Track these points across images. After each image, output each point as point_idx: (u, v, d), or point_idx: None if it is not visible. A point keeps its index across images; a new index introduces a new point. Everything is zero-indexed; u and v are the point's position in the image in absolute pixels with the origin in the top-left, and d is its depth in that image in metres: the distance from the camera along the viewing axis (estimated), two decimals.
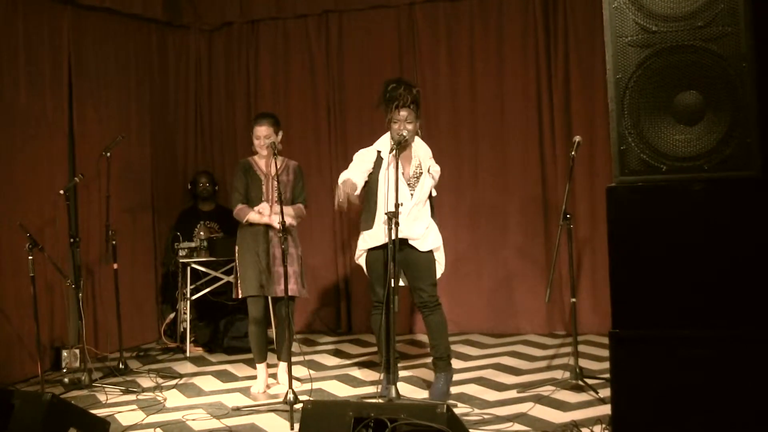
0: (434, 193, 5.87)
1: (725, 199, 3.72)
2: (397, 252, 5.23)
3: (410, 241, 5.62)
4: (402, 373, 6.36)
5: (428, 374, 6.30)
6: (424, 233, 5.69)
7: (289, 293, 5.93)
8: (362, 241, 5.82)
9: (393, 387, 5.29)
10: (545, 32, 7.78)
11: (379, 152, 5.77)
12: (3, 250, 6.67)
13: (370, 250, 5.77)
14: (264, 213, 6.05)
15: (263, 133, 6.08)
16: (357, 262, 5.98)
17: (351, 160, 5.87)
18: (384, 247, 5.51)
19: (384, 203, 5.54)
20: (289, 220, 5.89)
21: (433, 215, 5.83)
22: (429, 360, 6.20)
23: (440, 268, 5.86)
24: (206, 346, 7.76)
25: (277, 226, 5.72)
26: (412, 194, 5.66)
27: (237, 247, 6.26)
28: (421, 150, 5.79)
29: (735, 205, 3.71)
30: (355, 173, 5.71)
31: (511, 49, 7.89)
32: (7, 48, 6.84)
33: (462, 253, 7.83)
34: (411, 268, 5.75)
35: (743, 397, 3.63)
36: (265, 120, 6.15)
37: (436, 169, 5.79)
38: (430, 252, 5.75)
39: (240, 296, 6.18)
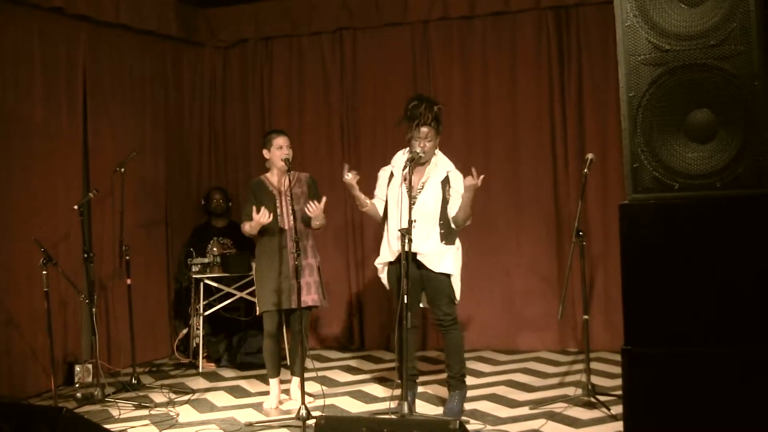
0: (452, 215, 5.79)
1: (738, 216, 3.72)
2: (415, 270, 5.26)
3: (419, 257, 5.62)
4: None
5: (441, 390, 6.30)
6: (435, 252, 5.67)
7: (311, 303, 6.07)
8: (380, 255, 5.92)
9: (406, 403, 5.30)
10: (558, 49, 7.80)
11: (393, 169, 5.84)
12: (17, 264, 6.69)
13: (390, 265, 5.81)
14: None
15: (287, 143, 6.17)
16: (379, 276, 6.02)
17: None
18: (395, 262, 5.68)
19: (394, 219, 5.61)
20: (320, 221, 6.00)
21: (454, 241, 5.78)
22: (442, 376, 6.21)
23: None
24: (219, 362, 7.78)
25: (267, 220, 5.90)
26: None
27: (254, 264, 6.31)
28: (440, 168, 5.78)
29: (747, 223, 3.71)
30: (378, 200, 5.90)
31: (524, 66, 7.92)
32: (24, 63, 6.88)
33: (474, 269, 7.79)
34: (427, 286, 5.76)
35: (757, 415, 3.62)
36: (285, 133, 6.28)
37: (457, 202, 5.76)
38: (446, 274, 5.73)
39: (258, 312, 6.23)
